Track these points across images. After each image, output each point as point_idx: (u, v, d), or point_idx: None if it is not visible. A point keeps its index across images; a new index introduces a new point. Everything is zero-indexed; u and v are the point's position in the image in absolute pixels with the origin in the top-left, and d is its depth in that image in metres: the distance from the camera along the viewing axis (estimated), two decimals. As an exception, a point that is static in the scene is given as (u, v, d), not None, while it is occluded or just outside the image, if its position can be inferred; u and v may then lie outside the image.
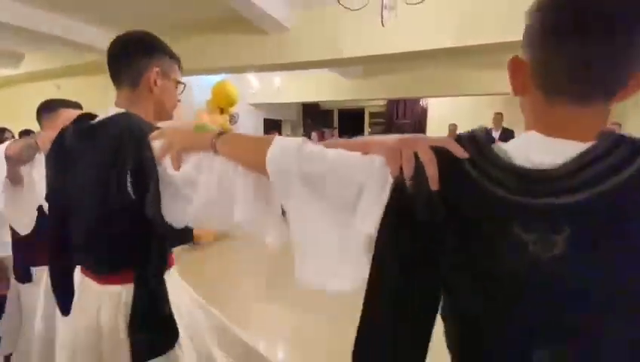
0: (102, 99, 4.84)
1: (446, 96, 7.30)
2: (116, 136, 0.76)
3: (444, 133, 7.36)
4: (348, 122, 11.04)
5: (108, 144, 0.77)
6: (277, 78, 6.15)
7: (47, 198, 0.89)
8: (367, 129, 10.89)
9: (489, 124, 6.68)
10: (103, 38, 3.70)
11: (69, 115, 1.21)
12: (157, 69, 0.84)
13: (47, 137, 1.01)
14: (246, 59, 3.48)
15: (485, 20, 2.61)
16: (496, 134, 5.89)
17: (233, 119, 5.63)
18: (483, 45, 2.71)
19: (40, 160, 1.09)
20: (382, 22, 1.92)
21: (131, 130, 0.76)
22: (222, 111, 5.43)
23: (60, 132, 0.87)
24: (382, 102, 9.63)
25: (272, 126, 7.65)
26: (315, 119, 10.16)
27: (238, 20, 3.00)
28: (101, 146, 0.79)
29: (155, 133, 0.75)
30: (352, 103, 10.44)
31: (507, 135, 5.90)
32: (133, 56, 0.83)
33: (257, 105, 7.20)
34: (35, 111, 1.44)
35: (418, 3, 1.75)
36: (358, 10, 1.93)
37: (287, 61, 3.29)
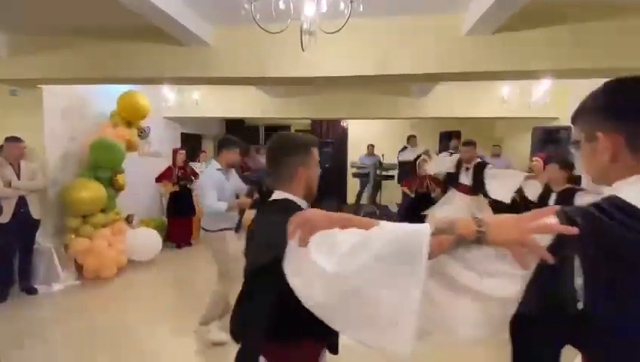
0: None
1: (363, 119, 7.83)
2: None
3: (362, 151, 7.84)
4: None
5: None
6: (196, 92, 5.79)
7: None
8: (292, 146, 10.98)
9: (400, 144, 7.44)
10: (4, 44, 3.38)
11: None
12: (301, 168, 1.10)
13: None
14: (161, 71, 3.17)
15: (399, 54, 2.87)
16: (412, 152, 6.62)
17: (144, 133, 5.07)
18: (396, 75, 2.96)
19: None
20: (302, 46, 1.94)
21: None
22: (129, 124, 4.85)
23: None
24: (307, 121, 9.87)
25: (191, 141, 7.14)
26: (240, 135, 9.85)
27: (152, 30, 2.72)
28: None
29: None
30: (278, 121, 10.46)
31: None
32: (288, 155, 1.11)
33: (174, 119, 6.66)
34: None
35: (334, 32, 1.81)
36: (277, 33, 1.91)
37: (207, 75, 3.10)
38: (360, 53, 2.89)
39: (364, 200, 7.50)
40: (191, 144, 7.18)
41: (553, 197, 2.65)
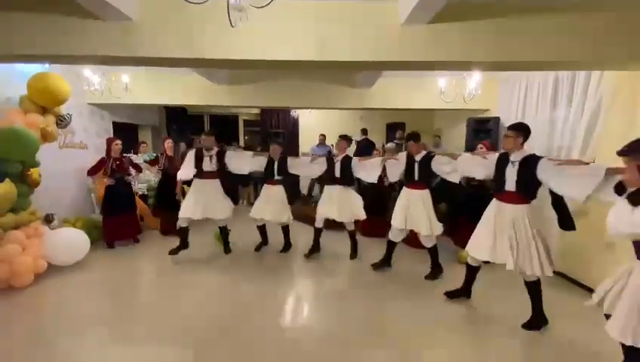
0: None
1: (310, 108, 7.78)
2: None
3: (314, 141, 7.83)
4: (221, 128, 10.49)
5: None
6: (125, 75, 5.24)
7: None
8: (242, 136, 10.63)
9: (352, 134, 7.59)
10: None
11: None
12: None
13: None
14: (72, 48, 2.76)
15: (338, 40, 2.82)
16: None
17: (64, 121, 4.48)
18: (336, 62, 2.91)
19: None
20: (230, 22, 1.79)
21: None
22: (44, 110, 4.24)
23: None
24: (256, 110, 9.55)
25: (125, 130, 6.49)
26: (183, 124, 9.24)
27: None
28: None
29: None
30: (224, 110, 9.99)
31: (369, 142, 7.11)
32: None
33: (102, 106, 5.99)
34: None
35: (264, 6, 1.70)
36: (200, 4, 1.74)
37: (129, 55, 2.76)
38: (299, 37, 2.80)
39: (316, 190, 7.50)
40: (125, 134, 6.53)
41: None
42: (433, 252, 3.90)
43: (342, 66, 3.01)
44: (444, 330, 2.92)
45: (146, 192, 5.92)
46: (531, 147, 4.54)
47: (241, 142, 10.06)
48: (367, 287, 3.75)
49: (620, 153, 2.04)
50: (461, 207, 4.75)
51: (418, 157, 3.78)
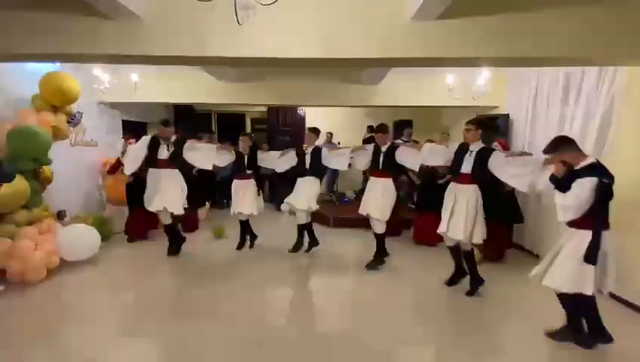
0: None
1: (317, 106, 7.77)
2: None
3: (321, 139, 7.82)
4: (228, 127, 10.54)
5: None
6: (134, 74, 5.30)
7: None
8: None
9: (357, 132, 7.61)
10: None
11: None
12: None
13: None
14: (83, 47, 2.80)
15: (345, 37, 2.81)
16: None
17: (74, 119, 4.55)
18: (342, 59, 2.90)
19: None
20: (237, 19, 1.79)
21: None
22: (56, 109, 4.31)
23: None
24: (263, 109, 9.57)
25: (134, 129, 6.57)
26: (190, 123, 9.30)
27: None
28: None
29: None
30: (232, 108, 10.03)
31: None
32: None
33: (112, 105, 6.07)
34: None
35: (270, 4, 1.69)
36: (207, 1, 1.74)
37: (138, 53, 2.79)
38: (305, 34, 2.79)
39: (322, 188, 7.49)
40: (134, 132, 6.60)
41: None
42: (380, 239, 4.14)
43: (349, 64, 3.00)
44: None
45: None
46: (539, 146, 4.49)
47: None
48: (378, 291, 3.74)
49: (545, 151, 2.65)
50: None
51: (384, 148, 4.05)
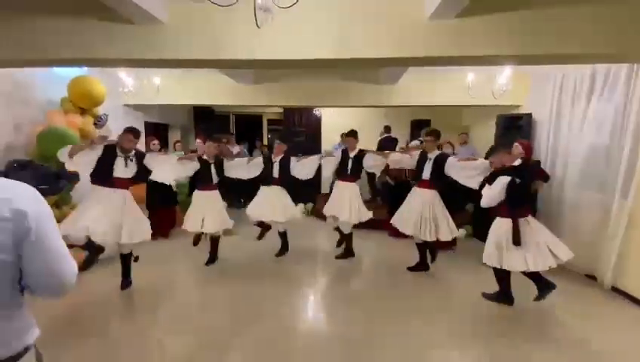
0: None
1: (333, 106, 7.77)
2: None
3: (336, 140, 7.81)
4: (245, 128, 10.71)
5: None
6: (157, 77, 5.47)
7: None
8: (266, 135, 10.81)
9: (373, 132, 7.54)
10: None
11: None
12: None
13: None
14: (109, 52, 2.92)
15: (360, 38, 2.80)
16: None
17: (100, 121, 4.75)
18: (361, 59, 2.89)
19: None
20: (256, 23, 1.83)
21: None
22: (83, 111, 4.51)
23: None
24: (279, 110, 9.67)
25: (156, 130, 6.79)
26: (209, 124, 9.51)
27: (98, 6, 2.48)
28: None
29: None
30: (249, 109, 10.18)
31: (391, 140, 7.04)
32: None
33: (135, 107, 6.28)
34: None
35: (289, 6, 1.71)
36: (227, 6, 1.79)
37: (161, 57, 2.88)
38: (320, 35, 2.80)
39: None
40: (156, 134, 6.82)
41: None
42: (348, 238, 4.48)
43: (364, 64, 2.99)
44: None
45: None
46: (564, 146, 4.31)
47: (265, 141, 10.22)
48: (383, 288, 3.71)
49: (486, 156, 3.80)
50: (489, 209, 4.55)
51: (352, 154, 4.27)
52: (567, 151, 4.42)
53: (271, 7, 1.84)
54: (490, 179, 3.10)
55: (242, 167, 4.32)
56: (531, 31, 2.68)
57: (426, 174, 3.80)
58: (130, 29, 2.85)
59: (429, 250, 4.04)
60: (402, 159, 4.17)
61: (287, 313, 3.14)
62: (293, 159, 4.37)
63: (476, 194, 3.61)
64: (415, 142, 6.40)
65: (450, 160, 3.73)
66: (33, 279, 0.88)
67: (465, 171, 3.61)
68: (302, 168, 4.34)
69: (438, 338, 2.74)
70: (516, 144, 4.23)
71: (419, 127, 7.89)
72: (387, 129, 7.40)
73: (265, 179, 4.37)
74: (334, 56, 2.80)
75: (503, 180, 2.95)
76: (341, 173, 4.34)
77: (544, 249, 2.90)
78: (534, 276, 3.05)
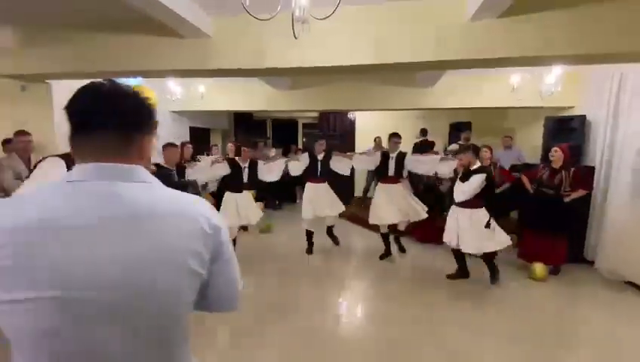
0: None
1: (369, 110, 7.73)
2: None
3: (370, 144, 7.76)
4: (281, 132, 11.01)
5: None
6: (201, 86, 5.82)
7: None
8: (301, 139, 11.03)
9: (410, 136, 7.39)
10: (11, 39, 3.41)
11: None
12: None
13: None
14: (161, 64, 3.19)
15: (398, 42, 2.80)
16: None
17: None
18: (398, 63, 2.89)
19: None
20: (294, 34, 1.91)
21: None
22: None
23: None
24: (314, 114, 9.82)
25: (200, 134, 7.21)
26: (248, 129, 9.90)
27: (152, 22, 2.73)
28: None
29: None
30: (285, 114, 10.46)
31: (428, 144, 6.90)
32: None
33: (181, 113, 6.73)
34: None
35: (324, 18, 1.77)
36: (267, 20, 1.89)
37: (207, 68, 3.09)
38: (358, 41, 2.83)
39: (371, 193, 7.44)
40: (199, 138, 7.26)
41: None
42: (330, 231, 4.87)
43: (401, 69, 2.98)
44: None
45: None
46: (620, 150, 3.96)
47: (300, 145, 10.43)
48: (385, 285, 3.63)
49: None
50: (530, 216, 4.28)
51: (320, 156, 4.52)
52: (622, 155, 4.06)
53: (308, 18, 1.91)
54: (464, 177, 3.54)
55: (204, 170, 4.27)
56: (581, 28, 2.52)
57: (392, 171, 4.36)
58: (179, 43, 3.09)
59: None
60: (363, 160, 4.57)
61: (322, 311, 3.19)
62: (259, 162, 4.43)
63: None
64: (454, 146, 6.19)
65: (408, 155, 4.40)
66: (215, 291, 0.80)
67: (421, 164, 4.33)
68: (267, 172, 4.44)
69: (476, 343, 2.64)
70: (555, 148, 4.00)
71: (458, 129, 7.59)
72: (423, 132, 7.22)
73: (233, 184, 4.26)
74: (372, 61, 2.82)
75: (480, 178, 3.41)
76: (311, 175, 4.57)
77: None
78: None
